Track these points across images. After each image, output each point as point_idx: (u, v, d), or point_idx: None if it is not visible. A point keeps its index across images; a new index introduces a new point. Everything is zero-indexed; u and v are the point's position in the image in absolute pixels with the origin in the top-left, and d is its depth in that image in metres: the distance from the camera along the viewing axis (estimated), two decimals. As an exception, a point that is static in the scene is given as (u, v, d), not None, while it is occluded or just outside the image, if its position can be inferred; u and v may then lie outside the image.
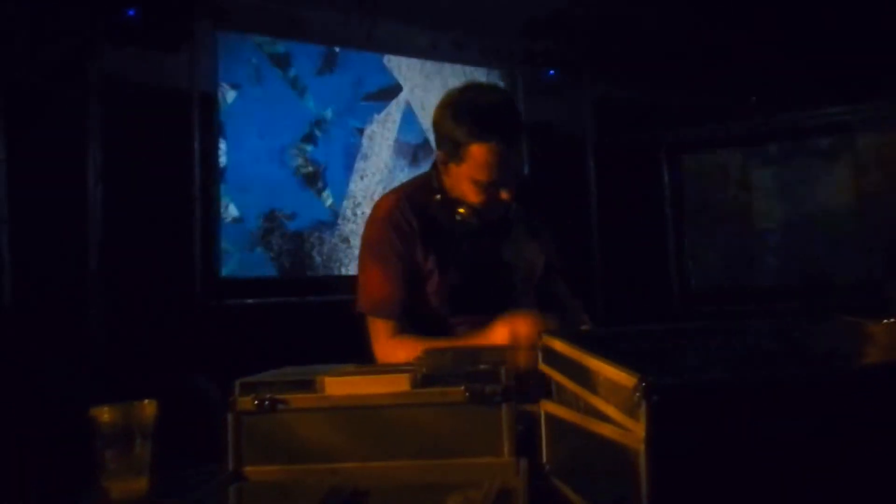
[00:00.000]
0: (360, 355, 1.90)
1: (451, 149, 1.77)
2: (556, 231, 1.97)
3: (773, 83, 4.75)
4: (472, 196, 1.80)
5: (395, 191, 1.98)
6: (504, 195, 1.79)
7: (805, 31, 4.37)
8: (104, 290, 3.42)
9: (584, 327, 1.94)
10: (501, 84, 4.86)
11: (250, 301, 3.89)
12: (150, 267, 3.46)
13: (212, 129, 3.85)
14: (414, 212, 1.86)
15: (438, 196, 1.86)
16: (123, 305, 3.41)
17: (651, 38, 4.59)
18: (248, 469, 1.10)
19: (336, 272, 4.30)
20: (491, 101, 1.77)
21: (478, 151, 1.73)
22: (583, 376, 0.96)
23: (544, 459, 1.10)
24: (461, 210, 1.82)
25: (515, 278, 1.92)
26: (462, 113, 1.75)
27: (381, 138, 4.53)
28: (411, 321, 1.84)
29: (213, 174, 3.87)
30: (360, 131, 4.46)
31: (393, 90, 4.59)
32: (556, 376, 1.06)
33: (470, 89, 1.83)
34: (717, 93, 4.86)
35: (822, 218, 4.87)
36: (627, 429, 0.82)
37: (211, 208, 3.83)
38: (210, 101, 3.84)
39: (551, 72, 5.05)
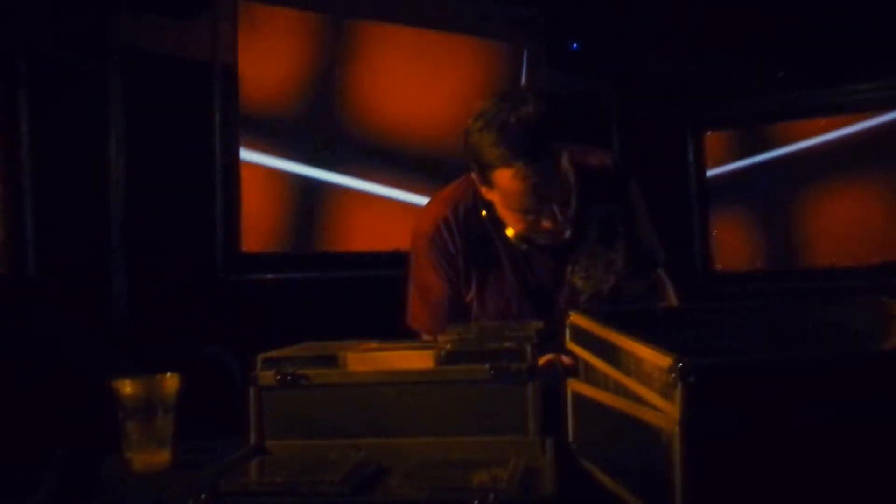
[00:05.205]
0: (382, 331, 1.88)
1: (479, 172, 1.55)
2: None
3: (801, 58, 4.64)
4: (513, 224, 1.60)
5: (440, 201, 1.75)
6: (547, 224, 1.55)
7: (834, 6, 4.26)
8: (126, 262, 3.43)
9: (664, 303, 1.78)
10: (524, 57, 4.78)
11: (271, 276, 3.89)
12: (172, 239, 3.46)
13: (232, 100, 3.82)
14: (460, 230, 1.67)
15: (484, 212, 1.65)
16: (145, 278, 3.42)
17: (677, 12, 4.49)
18: (269, 443, 1.10)
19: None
20: (520, 115, 1.46)
21: (503, 178, 1.49)
22: (614, 356, 0.93)
23: (571, 438, 1.08)
24: (509, 232, 1.63)
25: (580, 298, 1.69)
26: (485, 130, 1.49)
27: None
28: None
29: (233, 146, 3.84)
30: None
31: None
32: (585, 355, 1.04)
33: (503, 100, 1.52)
34: (743, 68, 4.76)
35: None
36: (661, 410, 0.80)
37: (232, 181, 3.82)
38: (231, 72, 3.81)
39: (574, 45, 4.97)
